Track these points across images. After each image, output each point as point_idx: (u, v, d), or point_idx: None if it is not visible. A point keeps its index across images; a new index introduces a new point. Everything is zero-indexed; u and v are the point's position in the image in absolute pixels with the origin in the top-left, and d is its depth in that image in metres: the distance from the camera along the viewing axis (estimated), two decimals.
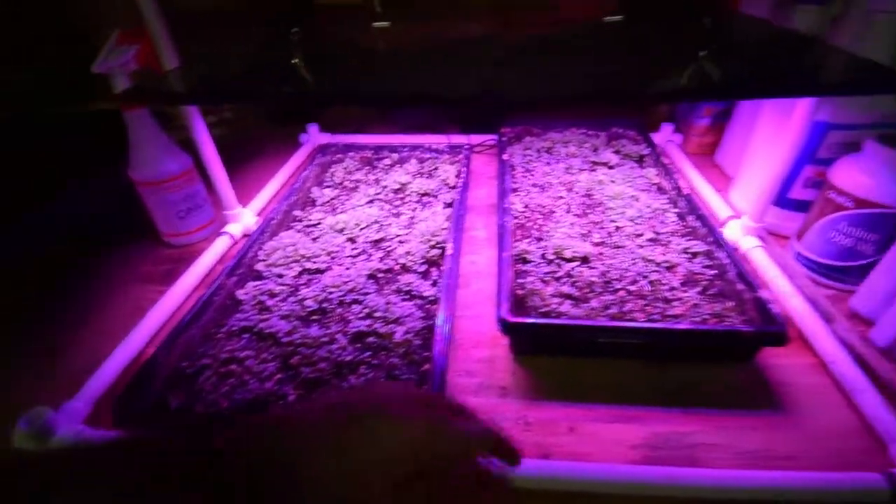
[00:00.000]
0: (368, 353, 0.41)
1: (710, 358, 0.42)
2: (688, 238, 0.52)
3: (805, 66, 0.40)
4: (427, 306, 0.45)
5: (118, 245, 0.60)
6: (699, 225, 0.52)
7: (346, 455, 0.18)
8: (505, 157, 0.65)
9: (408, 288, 0.47)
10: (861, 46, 0.46)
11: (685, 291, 0.45)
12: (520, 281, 0.46)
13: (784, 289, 0.48)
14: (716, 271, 0.47)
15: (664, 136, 0.77)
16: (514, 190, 0.61)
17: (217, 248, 0.55)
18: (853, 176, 0.46)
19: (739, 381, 0.42)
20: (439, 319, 0.41)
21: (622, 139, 0.71)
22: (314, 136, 0.77)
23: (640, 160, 0.68)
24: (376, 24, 0.56)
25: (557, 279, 0.47)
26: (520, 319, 0.40)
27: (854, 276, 0.48)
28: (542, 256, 0.50)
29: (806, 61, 0.42)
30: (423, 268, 0.49)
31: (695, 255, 0.49)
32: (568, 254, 0.49)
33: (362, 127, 0.81)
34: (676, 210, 0.56)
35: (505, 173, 0.61)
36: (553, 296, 0.45)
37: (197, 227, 0.59)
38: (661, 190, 0.61)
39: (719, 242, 0.48)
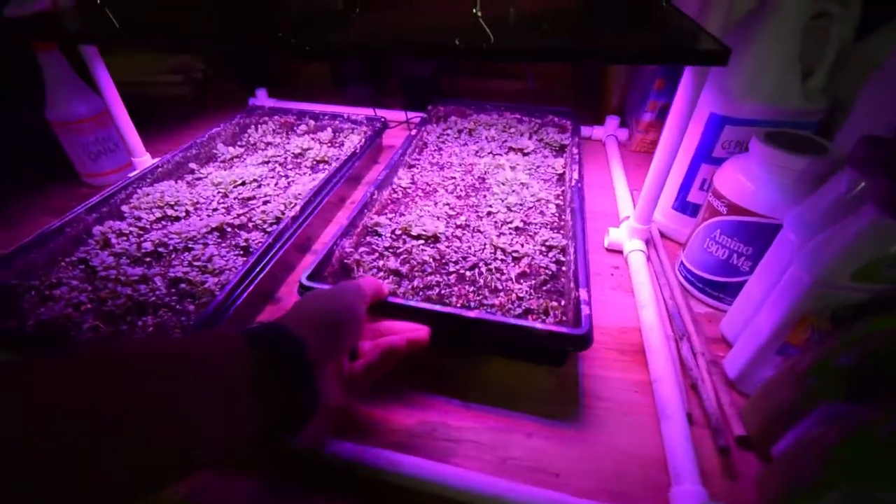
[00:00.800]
0: (176, 298, 0.41)
1: (521, 356, 0.39)
2: (555, 231, 0.48)
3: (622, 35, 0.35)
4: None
5: (43, 180, 0.65)
6: (569, 219, 0.47)
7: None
8: (414, 132, 0.63)
9: (246, 244, 0.47)
10: (769, 26, 0.40)
11: (518, 283, 0.42)
12: (350, 250, 0.45)
13: (643, 297, 0.43)
14: (563, 267, 0.43)
15: (608, 129, 0.71)
16: (411, 166, 0.59)
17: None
18: (731, 178, 0.39)
19: (550, 387, 0.38)
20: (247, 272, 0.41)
21: (551, 127, 0.67)
22: (261, 100, 0.79)
23: (560, 150, 0.63)
24: None
25: (396, 255, 0.45)
26: (314, 285, 0.38)
27: (731, 294, 0.42)
28: (392, 231, 0.48)
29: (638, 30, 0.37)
30: (273, 228, 0.49)
31: (550, 248, 0.46)
32: (415, 231, 0.47)
33: (311, 96, 0.81)
34: (559, 202, 0.52)
35: (406, 148, 0.60)
36: (380, 269, 0.44)
37: (111, 169, 0.62)
38: (560, 181, 0.56)
39: (575, 237, 0.43)
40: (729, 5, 0.34)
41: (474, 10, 0.29)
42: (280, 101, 0.80)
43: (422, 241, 0.47)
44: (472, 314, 0.35)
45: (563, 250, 0.45)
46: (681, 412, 0.34)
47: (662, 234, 0.52)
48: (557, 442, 0.34)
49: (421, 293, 0.41)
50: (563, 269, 0.43)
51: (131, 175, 0.60)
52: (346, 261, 0.44)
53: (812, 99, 0.40)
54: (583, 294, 0.37)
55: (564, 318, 0.38)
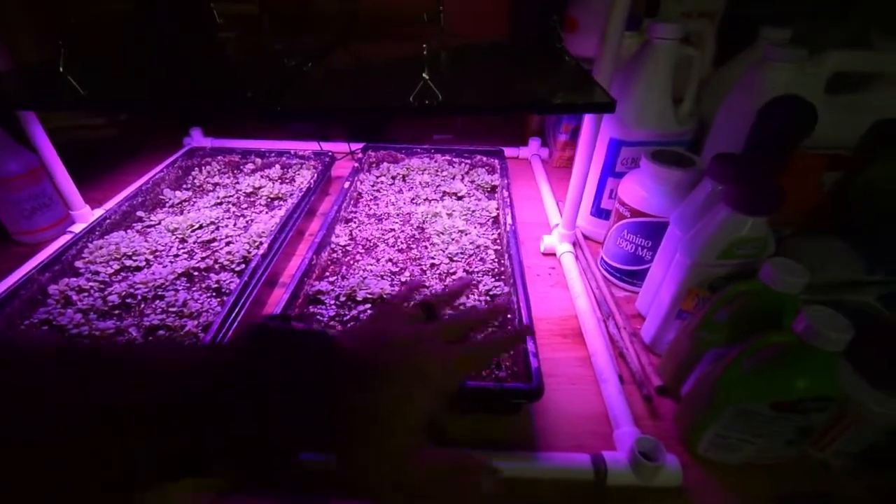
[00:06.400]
0: None
1: (476, 411, 0.40)
2: (497, 279, 0.51)
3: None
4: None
5: None
6: (509, 265, 0.50)
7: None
8: (347, 185, 0.64)
9: (217, 285, 0.49)
10: (647, 69, 0.51)
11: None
12: None
13: (576, 289, 0.52)
14: (509, 315, 0.46)
15: (531, 150, 0.81)
16: (348, 220, 0.60)
17: (56, 247, 0.57)
18: (630, 188, 0.50)
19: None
20: (223, 313, 0.43)
21: (481, 168, 0.72)
22: (196, 140, 0.80)
23: (491, 191, 0.67)
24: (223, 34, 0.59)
25: (344, 324, 0.45)
26: None
27: (641, 279, 0.52)
28: (337, 298, 0.48)
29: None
30: (241, 267, 0.52)
31: (494, 298, 0.49)
32: (361, 295, 0.48)
33: (248, 133, 0.83)
34: (496, 247, 0.55)
35: (341, 202, 0.60)
36: None
37: (46, 225, 0.60)
38: (496, 224, 0.60)
39: (516, 286, 0.46)
40: (618, 50, 0.44)
41: (423, 75, 0.35)
42: (217, 140, 0.81)
43: (368, 306, 0.47)
44: None
45: (508, 299, 0.47)
46: (614, 375, 0.43)
47: (585, 236, 0.62)
48: (530, 416, 0.42)
49: None
50: (509, 316, 0.46)
51: (73, 229, 0.59)
52: None
53: (683, 122, 0.52)
54: (530, 346, 0.39)
55: (515, 369, 0.41)
